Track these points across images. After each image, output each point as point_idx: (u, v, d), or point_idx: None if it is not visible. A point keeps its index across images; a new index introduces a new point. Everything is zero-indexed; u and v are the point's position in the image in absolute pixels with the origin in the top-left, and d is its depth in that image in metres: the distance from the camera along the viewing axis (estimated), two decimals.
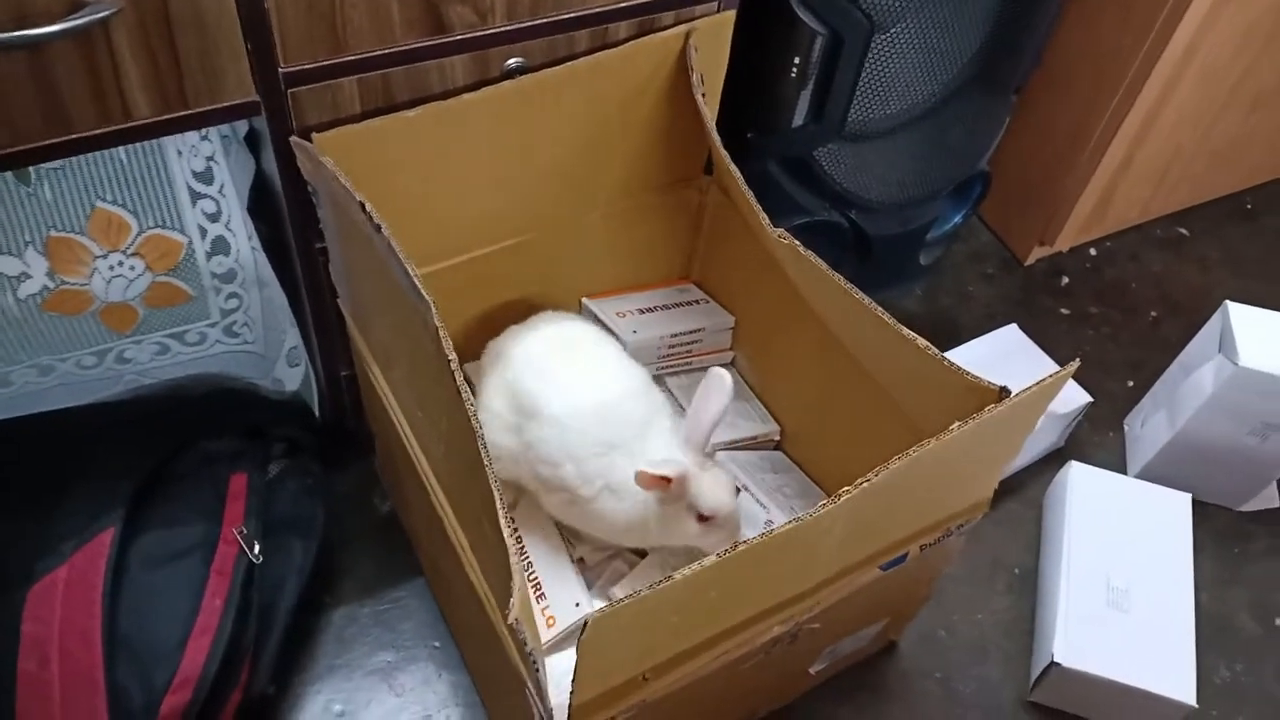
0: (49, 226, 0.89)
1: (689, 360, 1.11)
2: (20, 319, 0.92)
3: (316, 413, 1.08)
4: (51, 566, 0.82)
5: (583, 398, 0.89)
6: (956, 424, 0.67)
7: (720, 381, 0.86)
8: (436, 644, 1.01)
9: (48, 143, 0.73)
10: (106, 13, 0.68)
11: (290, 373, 1.07)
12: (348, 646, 1.00)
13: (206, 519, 0.89)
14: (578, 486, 0.88)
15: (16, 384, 0.97)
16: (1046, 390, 0.72)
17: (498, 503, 0.64)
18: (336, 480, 1.08)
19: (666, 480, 0.83)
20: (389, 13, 0.77)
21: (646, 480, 0.83)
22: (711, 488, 0.86)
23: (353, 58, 0.79)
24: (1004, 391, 0.72)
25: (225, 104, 0.77)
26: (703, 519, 0.87)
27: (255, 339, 1.04)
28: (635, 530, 0.90)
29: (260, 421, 1.00)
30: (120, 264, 0.93)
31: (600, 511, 0.89)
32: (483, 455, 0.65)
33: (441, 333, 0.67)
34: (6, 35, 0.66)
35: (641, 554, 0.99)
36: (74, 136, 0.74)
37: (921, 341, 0.75)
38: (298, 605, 0.94)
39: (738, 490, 0.92)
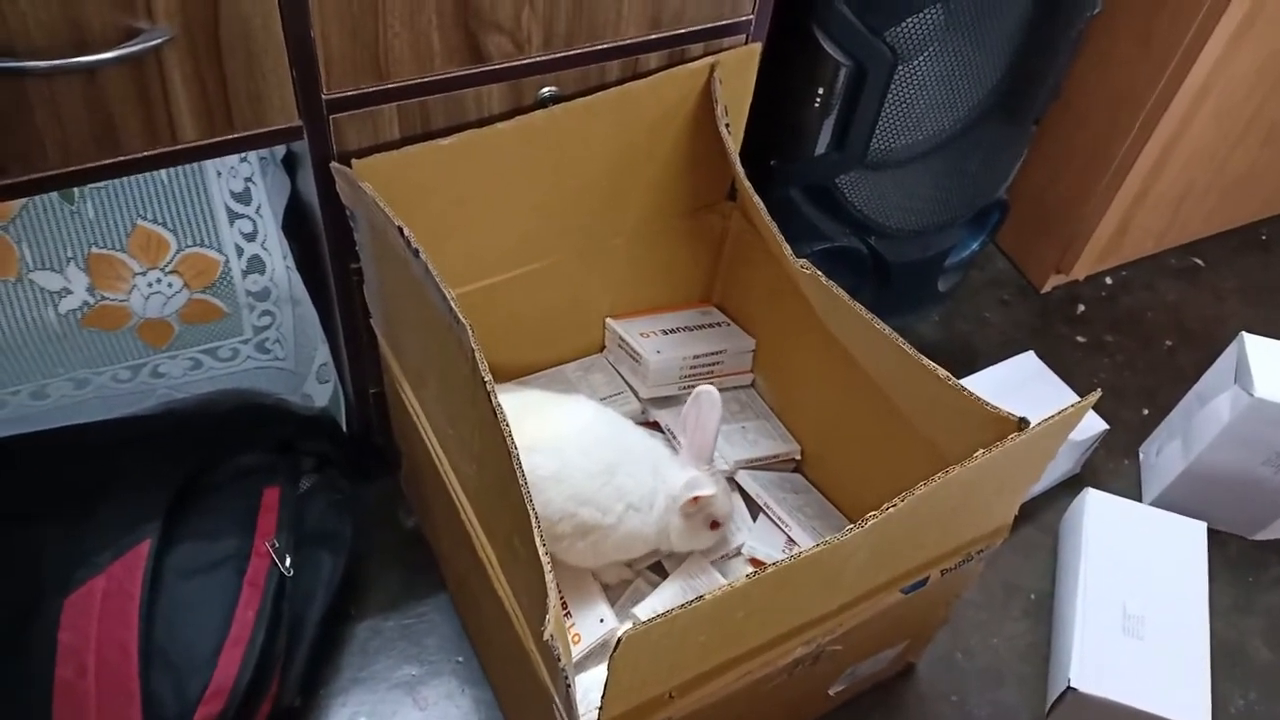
0: (91, 244, 0.92)
1: (711, 382, 1.12)
2: (60, 333, 0.94)
3: (344, 428, 1.10)
4: (89, 576, 0.84)
5: (560, 445, 0.91)
6: (981, 451, 0.69)
7: (710, 398, 0.94)
8: (460, 659, 1.02)
9: (97, 164, 0.76)
10: (160, 39, 0.70)
11: (319, 389, 1.09)
12: (372, 660, 1.01)
13: (240, 531, 0.90)
14: (601, 519, 0.90)
15: (53, 397, 0.99)
16: (1068, 420, 0.73)
17: (532, 520, 0.65)
18: (362, 495, 1.09)
19: (699, 498, 0.91)
20: (430, 42, 0.80)
21: (690, 504, 0.91)
22: (723, 498, 0.94)
23: (393, 85, 0.81)
24: (1023, 422, 0.73)
25: (269, 128, 0.79)
26: (714, 526, 0.95)
27: (286, 355, 1.06)
28: (661, 540, 0.95)
29: (288, 436, 1.02)
30: (159, 281, 0.95)
31: (629, 532, 0.92)
32: (517, 473, 0.66)
33: (478, 354, 0.69)
34: (65, 61, 0.68)
35: (662, 574, 1.01)
36: (122, 159, 0.76)
37: (942, 372, 0.77)
38: (325, 618, 0.95)
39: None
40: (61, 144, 0.73)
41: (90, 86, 0.71)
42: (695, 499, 0.91)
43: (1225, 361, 1.14)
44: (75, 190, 0.90)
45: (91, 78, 0.70)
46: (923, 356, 0.78)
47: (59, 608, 0.84)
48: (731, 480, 1.08)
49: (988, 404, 0.74)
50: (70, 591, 0.84)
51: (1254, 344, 1.09)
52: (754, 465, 1.09)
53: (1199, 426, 1.15)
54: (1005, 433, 0.72)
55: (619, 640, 0.59)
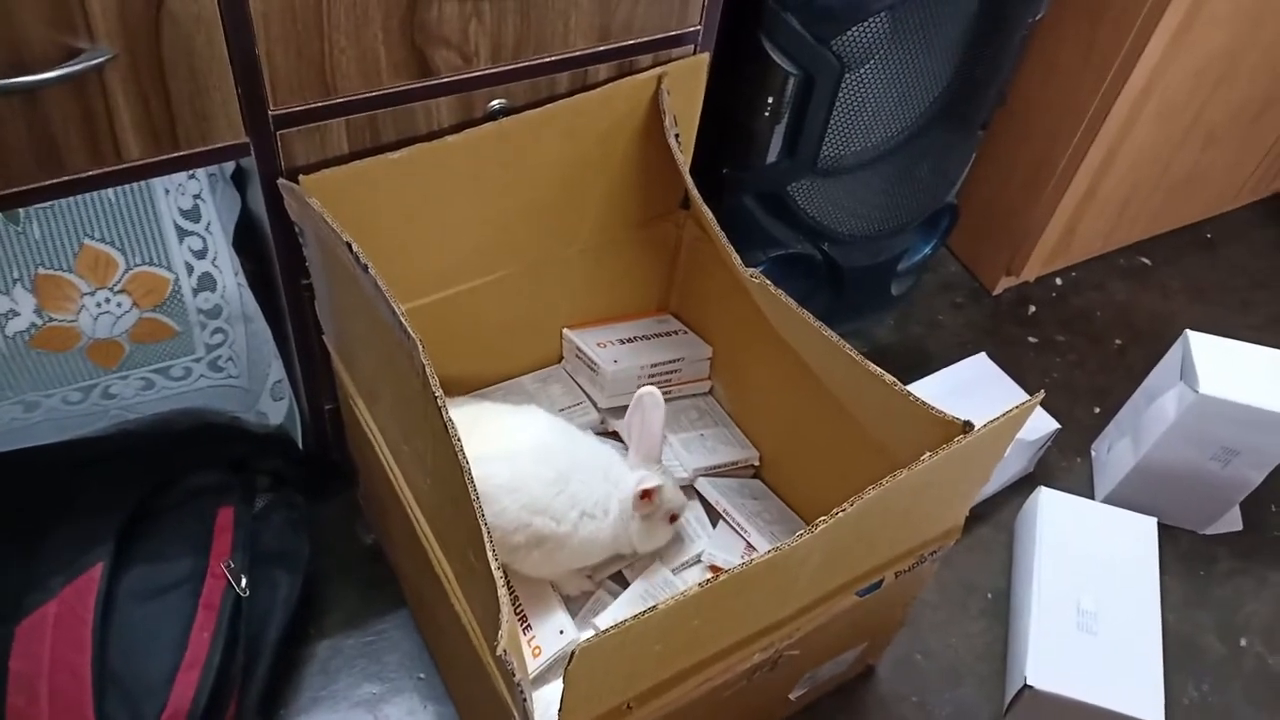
0: (37, 264, 0.91)
1: (669, 390, 1.13)
2: (8, 356, 0.93)
3: (300, 446, 1.09)
4: (40, 601, 0.83)
5: (514, 454, 0.91)
6: (927, 454, 0.70)
7: (653, 398, 0.96)
8: (421, 675, 1.02)
9: (40, 185, 0.75)
10: (101, 59, 0.69)
11: (274, 406, 1.08)
12: (333, 678, 1.01)
13: (194, 552, 0.90)
14: (555, 528, 0.91)
15: (2, 420, 0.97)
16: (1014, 420, 0.75)
17: (484, 534, 0.65)
18: (320, 512, 1.08)
19: (651, 494, 0.93)
20: (376, 57, 0.80)
21: (639, 499, 0.93)
22: (674, 490, 0.97)
23: (341, 100, 0.81)
24: (968, 425, 0.74)
25: (216, 146, 0.79)
26: (673, 518, 0.97)
27: (240, 373, 1.05)
28: (620, 544, 0.96)
29: (244, 455, 1.01)
30: (108, 301, 0.94)
31: (584, 540, 0.92)
32: (469, 488, 0.67)
33: (428, 369, 0.69)
34: (4, 81, 0.67)
35: (623, 584, 1.01)
36: (66, 179, 0.75)
37: (888, 377, 0.78)
38: (284, 638, 0.95)
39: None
40: (3, 165, 0.72)
41: (31, 107, 0.70)
42: (646, 494, 0.92)
43: (1171, 359, 1.16)
44: (20, 211, 0.88)
45: (32, 98, 0.70)
46: (870, 363, 0.79)
47: (10, 636, 0.82)
48: (691, 487, 1.08)
49: (933, 408, 0.75)
50: (22, 619, 0.83)
51: (1198, 341, 1.12)
52: (713, 472, 1.10)
53: (1147, 424, 1.17)
54: (951, 435, 0.73)
55: (572, 653, 0.59)
